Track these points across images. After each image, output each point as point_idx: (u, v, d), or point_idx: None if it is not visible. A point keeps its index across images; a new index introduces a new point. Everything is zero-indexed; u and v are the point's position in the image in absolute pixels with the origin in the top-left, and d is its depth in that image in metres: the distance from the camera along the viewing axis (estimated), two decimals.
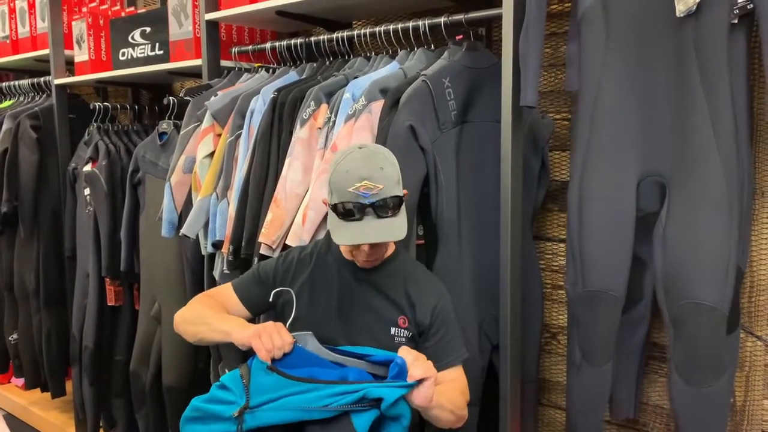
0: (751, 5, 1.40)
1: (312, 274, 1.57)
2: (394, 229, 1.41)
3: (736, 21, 1.44)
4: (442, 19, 1.80)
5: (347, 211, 1.39)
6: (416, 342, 1.53)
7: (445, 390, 1.42)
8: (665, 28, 1.50)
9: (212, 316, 1.52)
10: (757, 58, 1.58)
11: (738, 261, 1.55)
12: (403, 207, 1.44)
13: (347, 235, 1.41)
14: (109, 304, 2.71)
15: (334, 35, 2.05)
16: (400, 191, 1.42)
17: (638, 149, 1.55)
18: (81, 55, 2.85)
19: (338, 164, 1.41)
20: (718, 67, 1.45)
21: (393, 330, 1.51)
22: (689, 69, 1.48)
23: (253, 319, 1.60)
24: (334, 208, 1.41)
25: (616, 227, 1.57)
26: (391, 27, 1.90)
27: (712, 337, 1.48)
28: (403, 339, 1.51)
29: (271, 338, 1.36)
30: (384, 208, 1.39)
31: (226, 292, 1.62)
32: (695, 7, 1.44)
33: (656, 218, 1.55)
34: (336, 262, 1.57)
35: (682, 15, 1.46)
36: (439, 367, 1.48)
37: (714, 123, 1.45)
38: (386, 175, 1.39)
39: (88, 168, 2.67)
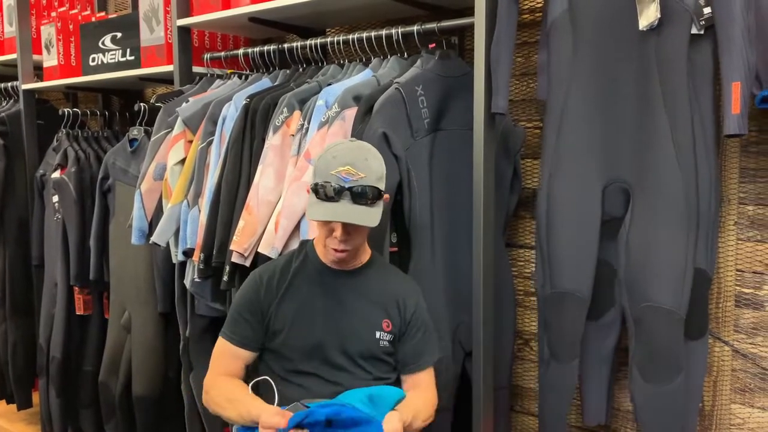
0: None
1: (292, 286, 1.55)
2: (368, 215, 1.43)
3: (702, 32, 1.47)
4: (415, 28, 1.81)
5: (325, 191, 1.42)
6: (394, 345, 1.56)
7: (416, 403, 1.51)
8: (630, 41, 1.54)
9: (242, 413, 1.45)
10: None
11: (705, 267, 1.59)
12: (381, 203, 1.46)
13: (321, 212, 1.43)
14: (77, 313, 2.66)
15: (308, 42, 2.04)
16: (381, 186, 1.46)
17: (602, 156, 1.60)
18: (50, 60, 2.81)
19: (327, 150, 1.47)
20: (678, 79, 1.50)
21: (378, 334, 1.53)
22: (651, 81, 1.53)
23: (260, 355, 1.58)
24: (314, 188, 1.45)
25: (582, 231, 1.63)
26: (365, 35, 1.91)
27: (669, 338, 1.55)
28: (387, 343, 1.54)
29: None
30: (362, 195, 1.42)
31: (225, 355, 1.56)
32: (657, 21, 1.48)
33: (621, 223, 1.61)
34: (316, 270, 1.56)
35: (644, 29, 1.50)
36: (414, 368, 1.56)
37: (674, 134, 1.51)
38: (370, 166, 1.43)
39: (56, 175, 2.63)
